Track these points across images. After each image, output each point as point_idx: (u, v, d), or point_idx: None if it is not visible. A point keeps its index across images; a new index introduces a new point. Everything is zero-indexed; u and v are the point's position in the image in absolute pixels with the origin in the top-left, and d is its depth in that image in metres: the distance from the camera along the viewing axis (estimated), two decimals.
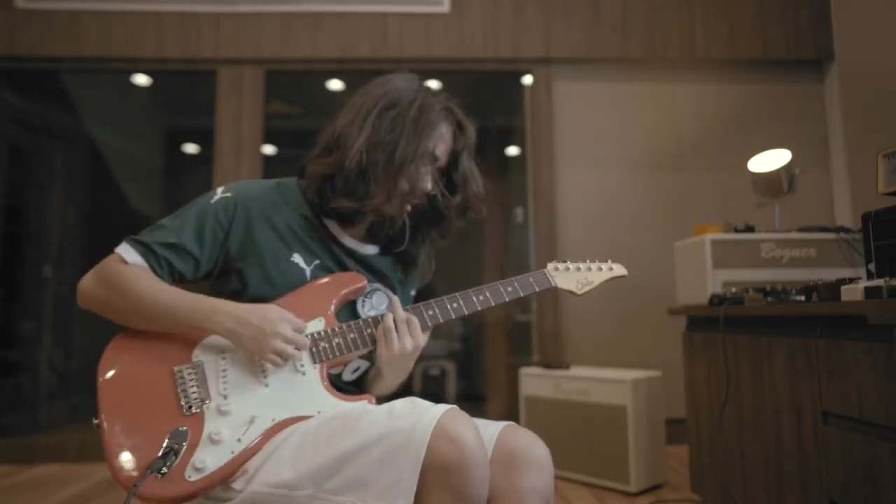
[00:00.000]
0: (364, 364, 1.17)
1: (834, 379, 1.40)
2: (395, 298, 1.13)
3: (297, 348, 1.03)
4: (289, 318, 1.02)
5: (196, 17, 3.28)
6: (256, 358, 1.03)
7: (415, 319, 1.10)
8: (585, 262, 1.25)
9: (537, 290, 1.18)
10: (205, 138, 3.60)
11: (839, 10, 3.30)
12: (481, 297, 1.14)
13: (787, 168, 2.26)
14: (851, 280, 1.39)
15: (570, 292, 1.22)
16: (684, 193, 3.36)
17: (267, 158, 3.47)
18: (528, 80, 3.50)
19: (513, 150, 4.29)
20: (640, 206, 3.34)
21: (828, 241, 2.06)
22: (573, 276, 1.23)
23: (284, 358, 1.01)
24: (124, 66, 3.38)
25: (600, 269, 1.25)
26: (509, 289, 1.16)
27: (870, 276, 1.40)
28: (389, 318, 1.09)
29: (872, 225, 1.40)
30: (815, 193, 3.29)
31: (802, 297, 1.58)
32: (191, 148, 4.96)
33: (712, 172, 3.38)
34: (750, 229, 2.11)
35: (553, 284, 1.20)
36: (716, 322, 1.85)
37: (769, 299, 1.73)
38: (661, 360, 2.86)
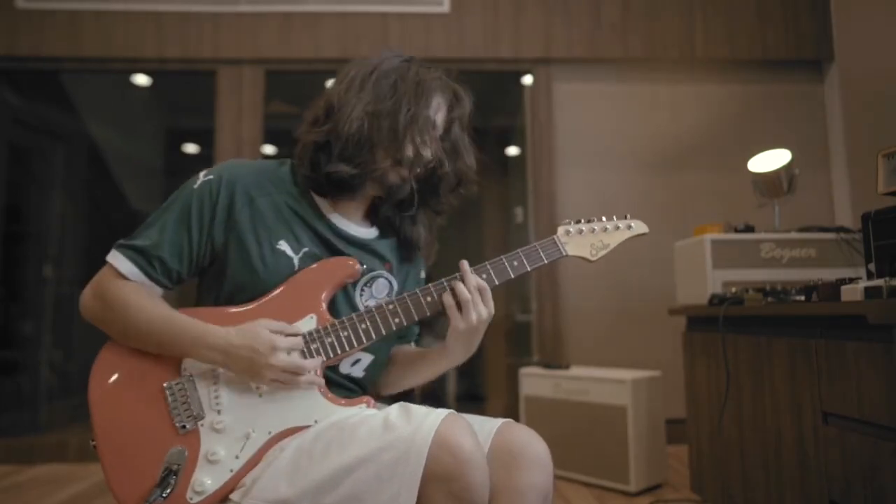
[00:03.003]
0: (365, 356, 1.12)
1: (834, 379, 1.40)
2: (465, 263, 1.04)
3: (296, 373, 0.97)
4: (279, 343, 0.96)
5: (196, 17, 3.28)
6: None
7: (487, 286, 1.04)
8: (601, 219, 1.13)
9: (546, 261, 1.09)
10: (205, 138, 3.60)
11: (839, 11, 3.30)
12: (483, 276, 1.06)
13: (787, 168, 2.26)
14: (851, 280, 1.39)
15: (584, 259, 1.11)
16: (684, 193, 3.36)
17: (267, 159, 3.46)
18: (528, 80, 3.50)
19: (513, 150, 4.29)
20: (640, 206, 3.33)
21: (828, 241, 2.06)
22: (586, 240, 1.11)
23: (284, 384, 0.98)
24: (124, 66, 3.38)
25: (617, 227, 1.13)
26: (515, 263, 1.07)
27: (870, 276, 1.40)
28: (463, 288, 1.02)
29: (872, 225, 1.40)
30: (815, 193, 3.29)
31: (802, 297, 1.58)
32: (191, 148, 4.96)
33: (712, 172, 3.38)
34: (750, 229, 2.11)
35: (564, 253, 1.10)
36: (716, 322, 1.85)
37: (769, 299, 1.73)
38: (661, 360, 2.86)
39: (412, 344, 1.27)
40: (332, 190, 1.08)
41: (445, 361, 1.12)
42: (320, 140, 1.04)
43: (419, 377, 1.18)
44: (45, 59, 3.27)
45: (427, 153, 1.07)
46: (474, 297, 1.02)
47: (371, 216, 1.14)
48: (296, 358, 0.97)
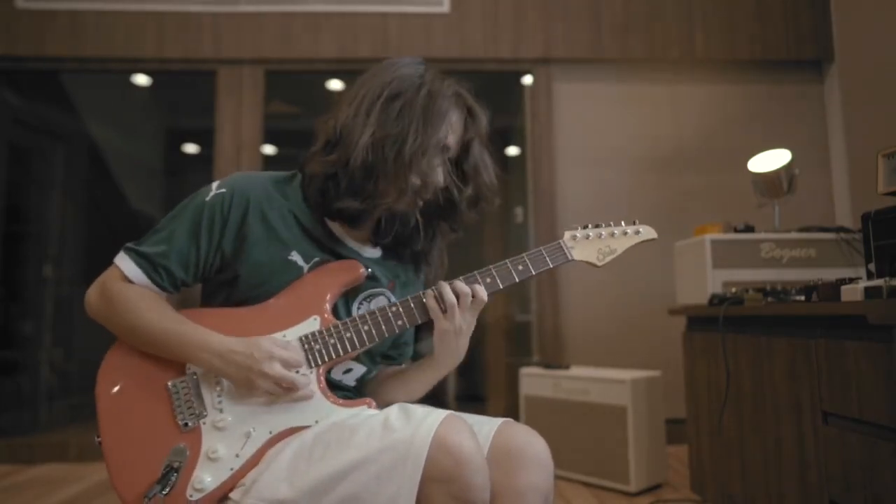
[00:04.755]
0: (357, 367, 1.12)
1: (834, 379, 1.40)
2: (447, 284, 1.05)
3: (290, 388, 0.97)
4: (279, 355, 0.97)
5: (196, 17, 3.28)
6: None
7: (468, 293, 1.03)
8: (609, 224, 1.11)
9: (552, 265, 1.07)
10: (205, 138, 3.60)
11: (839, 10, 3.30)
12: (488, 280, 1.06)
13: (787, 168, 2.26)
14: (851, 280, 1.39)
15: (590, 264, 1.09)
16: (684, 193, 3.36)
17: (267, 158, 3.46)
18: (528, 80, 3.50)
19: (513, 150, 4.28)
20: (640, 206, 3.34)
21: (828, 241, 2.06)
22: (593, 245, 1.09)
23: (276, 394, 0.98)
24: (124, 66, 3.38)
25: (625, 232, 1.11)
26: (520, 268, 1.06)
27: (870, 276, 1.40)
28: (449, 292, 1.02)
29: (872, 225, 1.40)
30: (815, 193, 3.29)
31: (802, 297, 1.58)
32: (191, 148, 4.96)
33: (712, 172, 3.38)
34: (750, 229, 2.11)
35: (570, 258, 1.08)
36: (716, 322, 1.85)
37: (769, 299, 1.73)
38: (661, 360, 2.86)
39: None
40: (342, 219, 1.08)
41: (433, 372, 1.12)
42: (328, 171, 1.03)
43: (408, 390, 1.16)
44: (45, 59, 3.27)
45: (436, 180, 1.04)
46: (462, 302, 1.03)
47: (374, 236, 1.13)
48: (291, 373, 0.97)
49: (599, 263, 1.10)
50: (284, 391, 0.98)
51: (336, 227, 1.10)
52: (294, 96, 4.03)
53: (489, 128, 1.11)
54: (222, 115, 3.32)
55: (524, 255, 1.08)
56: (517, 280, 1.06)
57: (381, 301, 1.13)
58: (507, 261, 1.07)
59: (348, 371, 1.11)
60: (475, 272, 1.07)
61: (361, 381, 1.15)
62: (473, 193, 1.09)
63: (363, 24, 3.32)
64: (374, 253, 1.13)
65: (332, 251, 1.09)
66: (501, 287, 1.06)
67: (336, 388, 1.09)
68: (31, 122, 3.91)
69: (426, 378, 1.14)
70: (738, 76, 3.48)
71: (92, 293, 1.05)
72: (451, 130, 1.05)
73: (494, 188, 1.11)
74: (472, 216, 1.13)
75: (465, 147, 1.08)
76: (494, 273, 1.06)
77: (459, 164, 1.09)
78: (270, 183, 1.09)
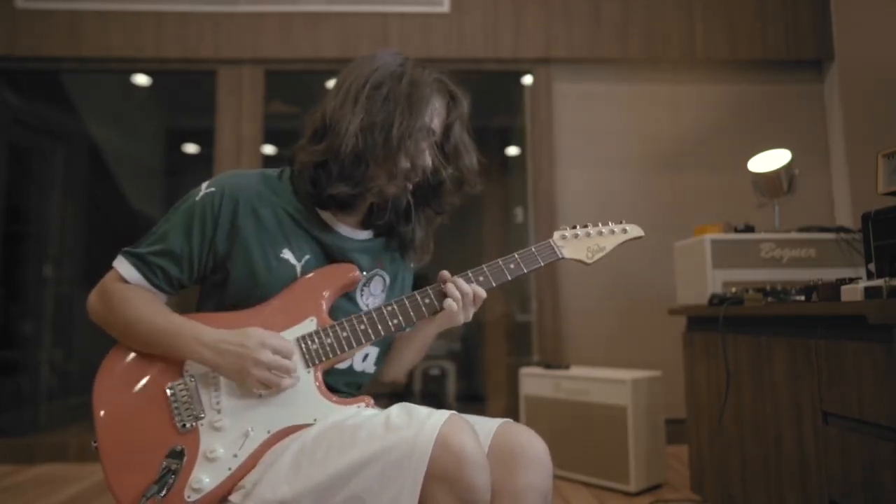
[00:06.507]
0: (373, 350, 1.14)
1: (834, 379, 1.40)
2: (445, 273, 1.10)
3: (282, 374, 0.99)
4: (270, 343, 0.98)
5: (196, 17, 3.28)
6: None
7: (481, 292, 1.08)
8: (597, 224, 1.16)
9: (542, 263, 1.12)
10: (205, 138, 3.60)
11: (839, 10, 3.30)
12: (481, 278, 1.09)
13: (787, 168, 2.27)
14: (851, 280, 1.39)
15: (580, 262, 1.14)
16: (684, 193, 3.36)
17: (267, 158, 3.47)
18: (528, 80, 3.50)
19: (513, 150, 4.29)
20: (640, 206, 3.34)
21: (828, 241, 2.06)
22: (582, 244, 1.15)
23: (270, 386, 0.98)
24: (124, 66, 3.38)
25: (612, 231, 1.16)
26: (511, 266, 1.10)
27: (870, 276, 1.40)
28: (455, 290, 1.05)
29: (872, 225, 1.40)
30: (815, 193, 3.29)
31: (802, 297, 1.58)
32: (191, 148, 4.96)
33: (712, 172, 3.38)
34: (750, 229, 2.11)
35: (560, 256, 1.13)
36: (716, 322, 1.85)
37: (769, 299, 1.73)
38: (661, 360, 2.86)
39: None
40: (334, 206, 1.10)
41: (436, 324, 1.14)
42: (318, 160, 1.05)
43: (412, 345, 1.21)
44: (45, 59, 3.27)
45: (424, 163, 1.08)
46: (466, 300, 1.08)
47: (366, 219, 1.16)
48: (282, 359, 0.99)
49: (589, 261, 1.15)
50: (276, 380, 0.98)
51: (328, 216, 1.12)
52: (294, 96, 4.03)
53: (474, 114, 1.15)
54: (222, 115, 3.32)
55: (515, 254, 1.11)
56: (509, 278, 1.10)
57: (377, 281, 1.16)
58: (499, 260, 1.11)
59: (366, 357, 1.14)
60: (468, 271, 1.10)
61: (380, 362, 1.17)
62: (456, 175, 1.12)
63: (363, 24, 3.32)
64: (366, 235, 1.16)
65: (324, 243, 1.10)
66: (494, 285, 1.10)
67: (357, 386, 1.13)
68: (31, 122, 3.91)
69: (430, 331, 1.17)
70: (738, 76, 3.48)
71: (92, 296, 1.08)
72: (435, 114, 1.09)
73: (476, 171, 1.15)
74: (455, 199, 1.17)
75: (446, 130, 1.12)
76: (487, 272, 1.10)
77: (442, 147, 1.12)
78: (260, 180, 1.11)
